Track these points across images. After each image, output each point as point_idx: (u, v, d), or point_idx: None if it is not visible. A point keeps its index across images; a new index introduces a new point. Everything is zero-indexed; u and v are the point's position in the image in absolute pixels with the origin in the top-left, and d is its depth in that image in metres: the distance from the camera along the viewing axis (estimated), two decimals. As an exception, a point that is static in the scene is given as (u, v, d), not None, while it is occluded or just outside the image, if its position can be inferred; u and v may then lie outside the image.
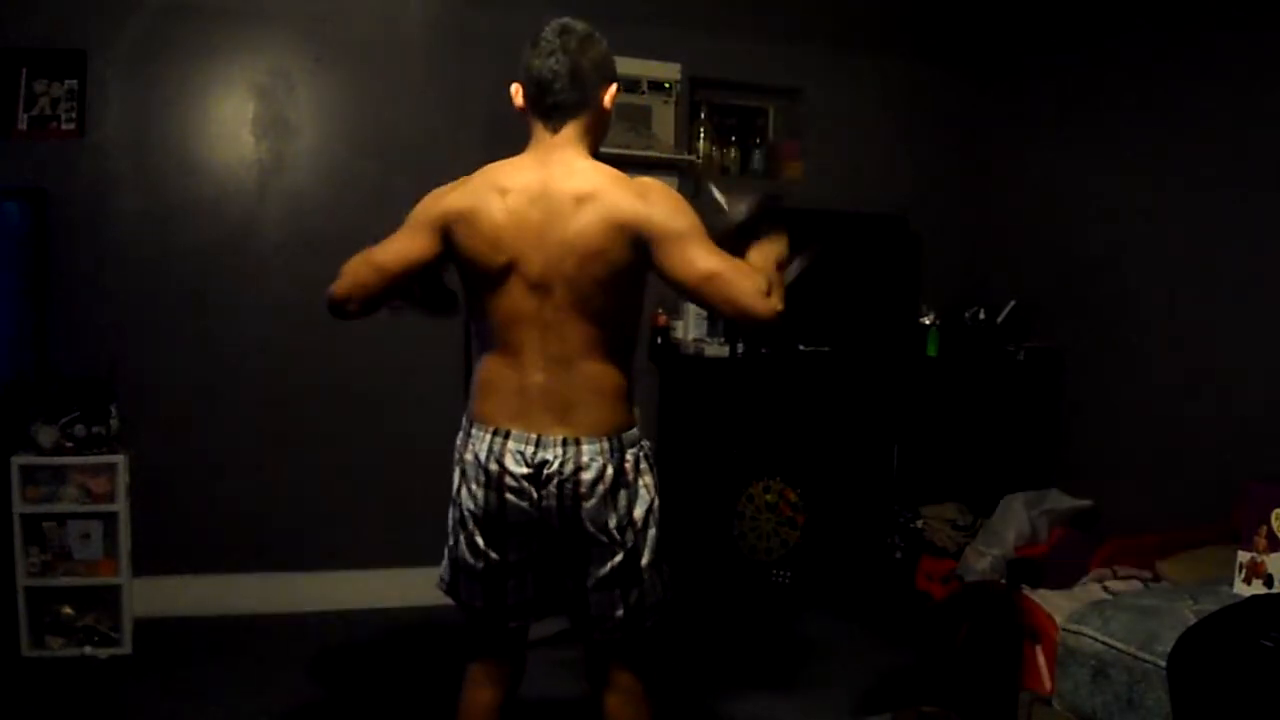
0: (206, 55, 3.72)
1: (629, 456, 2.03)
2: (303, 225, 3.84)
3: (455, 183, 2.06)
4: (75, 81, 3.61)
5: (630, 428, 2.05)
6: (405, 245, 2.04)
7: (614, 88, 2.08)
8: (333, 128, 3.88)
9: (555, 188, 1.96)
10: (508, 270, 1.97)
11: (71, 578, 3.39)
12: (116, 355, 3.62)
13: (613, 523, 2.01)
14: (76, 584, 3.40)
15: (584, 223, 1.93)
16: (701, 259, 1.90)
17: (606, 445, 2.00)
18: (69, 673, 3.25)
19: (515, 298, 1.98)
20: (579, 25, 2.04)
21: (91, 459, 3.40)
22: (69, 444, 3.39)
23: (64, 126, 3.62)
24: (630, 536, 2.03)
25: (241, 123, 3.78)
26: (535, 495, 1.99)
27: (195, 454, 3.75)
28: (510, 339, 2.01)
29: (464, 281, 2.06)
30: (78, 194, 3.58)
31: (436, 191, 2.07)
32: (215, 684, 3.17)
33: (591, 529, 2.00)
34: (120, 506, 3.42)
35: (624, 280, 1.97)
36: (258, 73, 3.78)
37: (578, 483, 1.98)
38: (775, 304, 1.94)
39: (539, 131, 2.03)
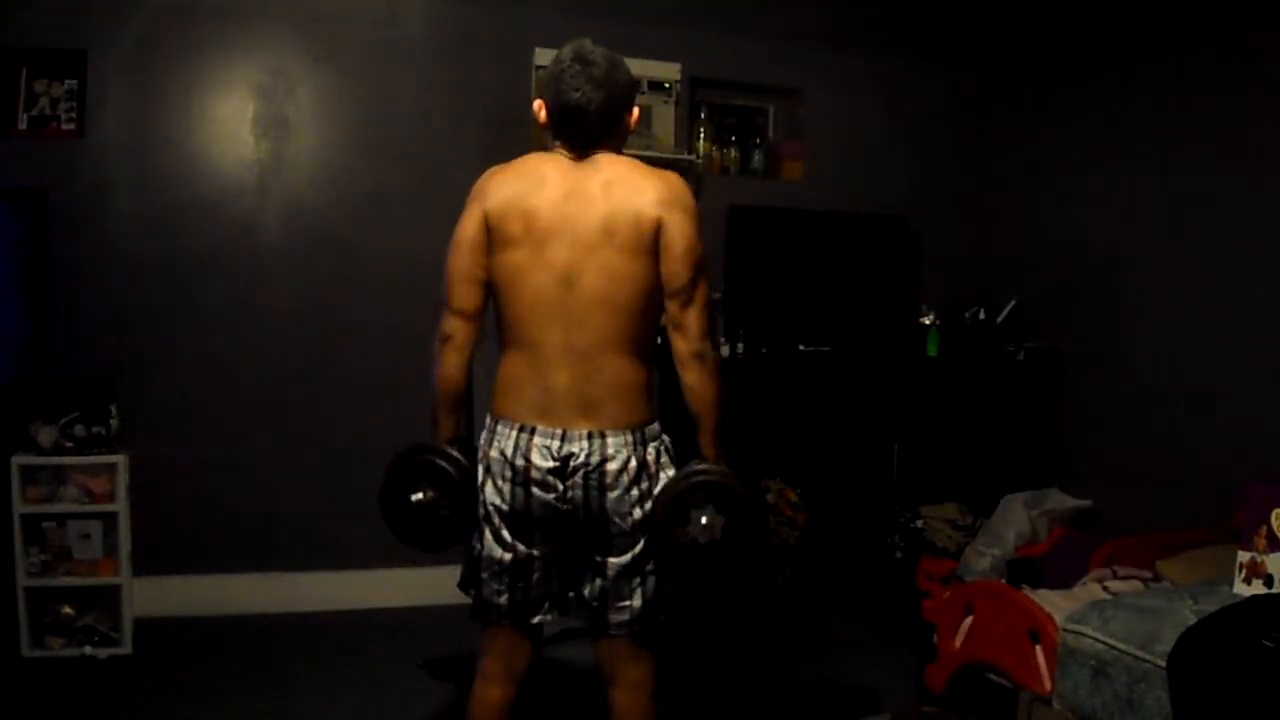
0: (206, 55, 3.72)
1: (651, 450, 2.09)
2: (303, 225, 3.85)
3: (503, 166, 2.13)
4: (75, 81, 3.61)
5: (652, 421, 2.11)
6: (468, 242, 2.08)
7: (636, 111, 2.16)
8: (333, 128, 3.88)
9: (587, 181, 2.04)
10: (535, 257, 2.02)
11: (71, 578, 3.39)
12: (116, 355, 3.62)
13: (636, 514, 2.05)
14: (76, 584, 3.40)
15: (611, 208, 2.01)
16: (685, 287, 2.04)
17: (630, 437, 2.05)
18: (69, 673, 3.25)
19: (540, 288, 2.03)
20: (598, 52, 2.08)
21: (91, 459, 3.40)
22: (69, 444, 3.40)
23: (64, 126, 3.62)
24: (649, 526, 2.06)
25: (241, 123, 3.78)
26: (561, 488, 2.04)
27: (195, 454, 3.75)
28: (533, 333, 2.05)
29: (493, 274, 2.08)
30: (78, 194, 3.58)
31: (487, 173, 2.13)
32: (215, 684, 3.17)
33: (615, 519, 2.05)
34: (120, 506, 3.43)
35: (646, 270, 2.03)
36: (258, 73, 3.78)
37: (603, 474, 2.03)
38: (706, 349, 2.08)
39: (566, 152, 2.11)
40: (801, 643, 3.73)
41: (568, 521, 2.07)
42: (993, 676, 2.79)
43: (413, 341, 3.94)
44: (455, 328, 2.12)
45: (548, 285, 2.02)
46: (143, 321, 3.69)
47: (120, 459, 3.43)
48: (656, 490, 2.08)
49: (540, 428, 2.04)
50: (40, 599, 3.38)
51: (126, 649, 3.42)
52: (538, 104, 2.13)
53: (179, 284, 3.72)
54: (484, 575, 2.13)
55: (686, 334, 2.06)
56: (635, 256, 2.01)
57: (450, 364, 2.15)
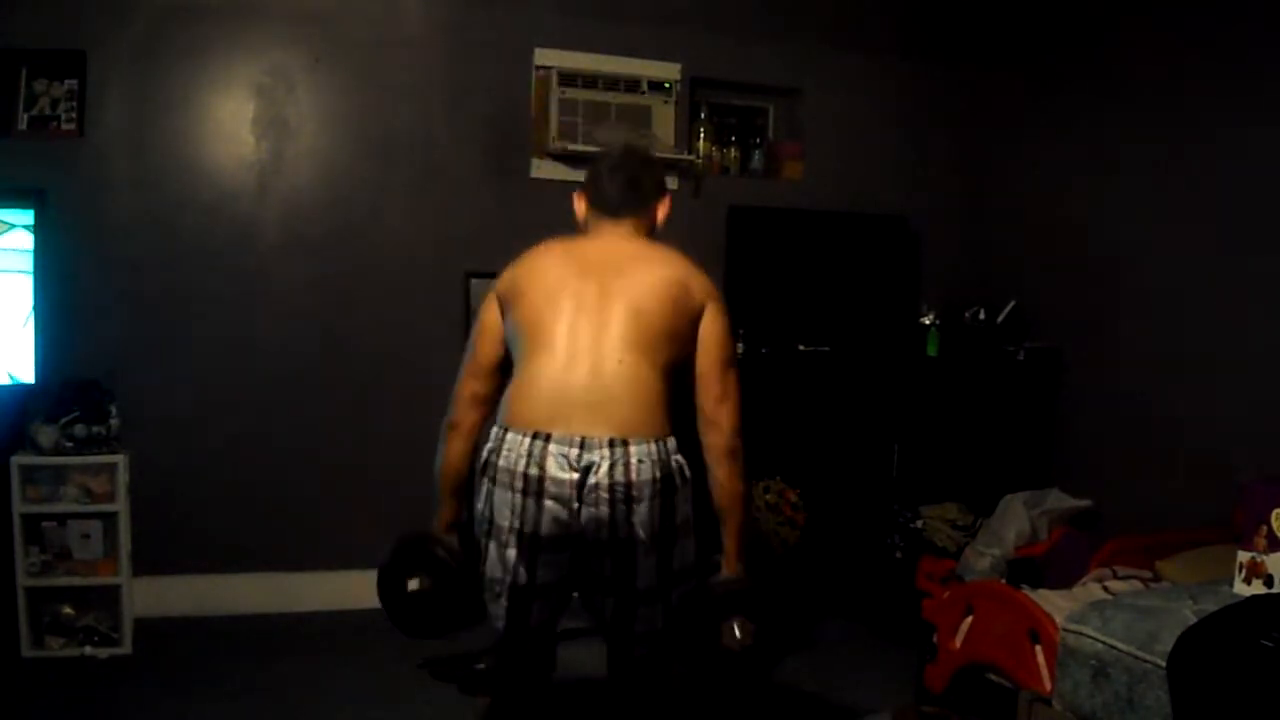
0: (206, 55, 3.72)
1: (674, 462, 2.00)
2: (303, 225, 3.85)
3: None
4: (75, 81, 3.61)
5: (671, 436, 2.03)
6: (486, 328, 2.13)
7: (668, 201, 2.23)
8: (333, 128, 3.87)
9: (614, 247, 2.10)
10: (559, 290, 2.03)
11: (71, 578, 3.39)
12: (116, 355, 3.62)
13: (662, 529, 1.96)
14: (76, 584, 3.40)
15: (645, 273, 2.05)
16: (724, 377, 2.08)
17: (654, 448, 1.96)
18: (69, 673, 3.25)
19: (567, 303, 2.02)
20: (641, 145, 2.30)
21: (91, 459, 3.40)
22: (69, 444, 3.39)
23: (64, 126, 3.62)
24: (676, 543, 2.00)
25: (241, 123, 3.78)
26: (577, 505, 1.92)
27: (195, 454, 3.75)
28: (556, 333, 1.99)
29: (512, 316, 2.08)
30: (78, 194, 3.58)
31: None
32: (215, 684, 3.17)
33: (643, 535, 1.94)
34: (120, 506, 3.42)
35: (678, 320, 2.04)
36: (258, 73, 3.77)
37: (629, 485, 1.92)
38: (739, 446, 2.08)
39: (599, 222, 2.17)
40: (801, 643, 3.73)
41: (578, 545, 1.95)
42: (993, 676, 2.79)
43: (413, 341, 3.96)
44: (463, 416, 2.12)
45: (578, 292, 2.02)
46: (142, 322, 3.69)
47: (120, 459, 3.43)
48: (682, 506, 2.00)
49: (556, 434, 1.92)
50: (40, 599, 3.37)
51: (126, 649, 3.42)
52: (576, 196, 2.22)
53: (179, 284, 3.72)
54: (485, 596, 2.05)
55: (721, 430, 2.05)
56: (670, 303, 2.02)
57: (455, 450, 2.14)
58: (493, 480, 1.98)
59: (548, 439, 1.93)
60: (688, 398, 2.08)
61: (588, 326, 1.99)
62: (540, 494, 1.92)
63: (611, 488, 1.91)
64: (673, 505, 1.98)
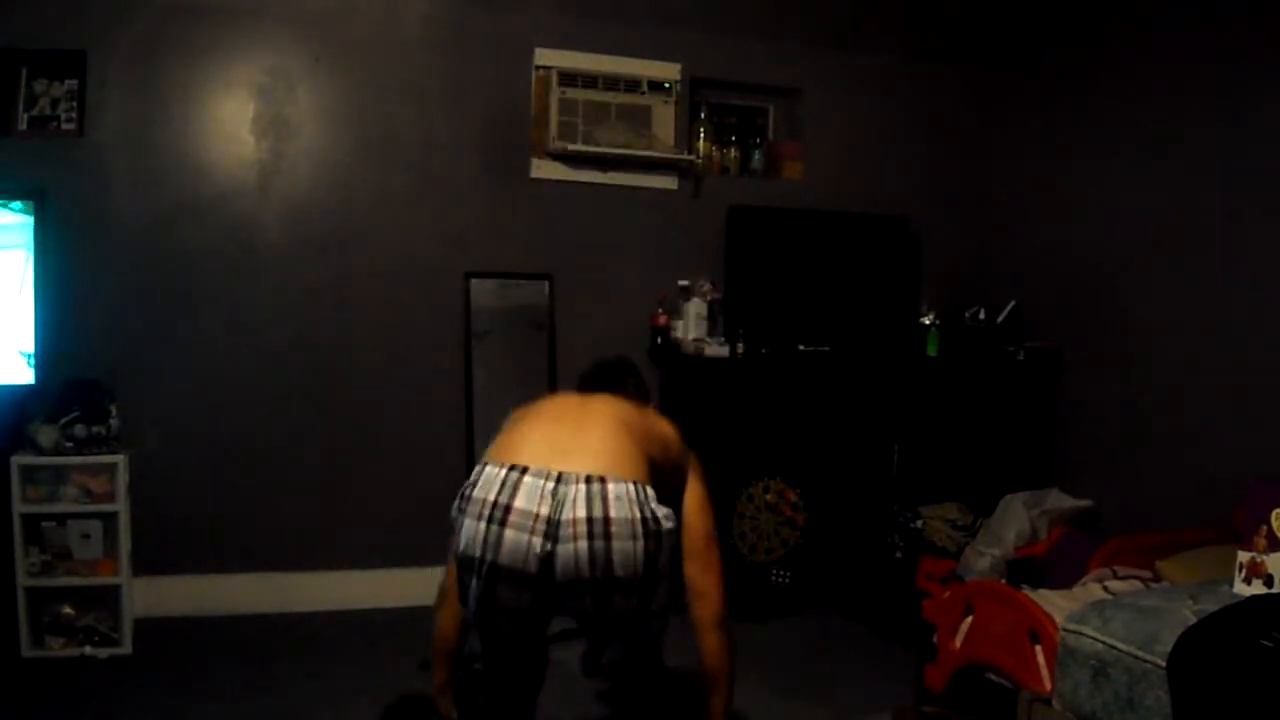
0: (206, 55, 3.72)
1: (652, 507, 1.96)
2: (302, 225, 3.85)
3: None
4: (75, 81, 3.61)
5: (651, 486, 2.00)
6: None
7: (652, 405, 2.42)
8: (333, 128, 3.88)
9: (595, 402, 2.21)
10: (550, 401, 2.23)
11: (71, 578, 3.39)
12: (116, 355, 3.62)
13: (645, 571, 1.93)
14: (76, 584, 3.40)
15: (634, 404, 2.23)
16: (711, 556, 2.21)
17: (633, 489, 1.94)
18: (69, 673, 3.25)
19: (557, 398, 2.24)
20: (625, 359, 2.45)
21: (91, 459, 3.40)
22: (69, 444, 3.39)
23: (64, 126, 3.62)
24: (653, 585, 1.97)
25: (241, 123, 3.78)
26: (541, 541, 1.88)
27: (195, 454, 3.75)
28: (541, 411, 2.14)
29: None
30: (78, 194, 3.58)
31: None
32: (215, 684, 3.17)
33: (621, 574, 1.90)
34: (120, 506, 3.42)
35: (660, 436, 2.19)
36: (258, 73, 3.77)
37: (607, 521, 1.89)
38: (726, 616, 2.20)
39: None
40: (801, 643, 3.73)
41: (540, 587, 1.91)
42: (993, 676, 2.79)
43: (413, 341, 3.96)
44: (455, 583, 2.09)
45: (569, 397, 2.22)
46: (143, 321, 3.69)
47: (120, 459, 3.43)
48: (664, 548, 1.97)
49: (533, 468, 1.92)
50: (40, 599, 3.37)
51: (126, 649, 3.42)
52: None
53: (179, 284, 3.72)
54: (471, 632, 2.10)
55: (710, 601, 2.14)
56: (654, 425, 2.18)
57: (448, 616, 2.19)
58: (463, 512, 1.97)
59: (524, 471, 1.93)
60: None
61: (577, 406, 2.16)
62: (504, 523, 1.89)
63: (589, 521, 1.88)
64: (656, 549, 1.94)
